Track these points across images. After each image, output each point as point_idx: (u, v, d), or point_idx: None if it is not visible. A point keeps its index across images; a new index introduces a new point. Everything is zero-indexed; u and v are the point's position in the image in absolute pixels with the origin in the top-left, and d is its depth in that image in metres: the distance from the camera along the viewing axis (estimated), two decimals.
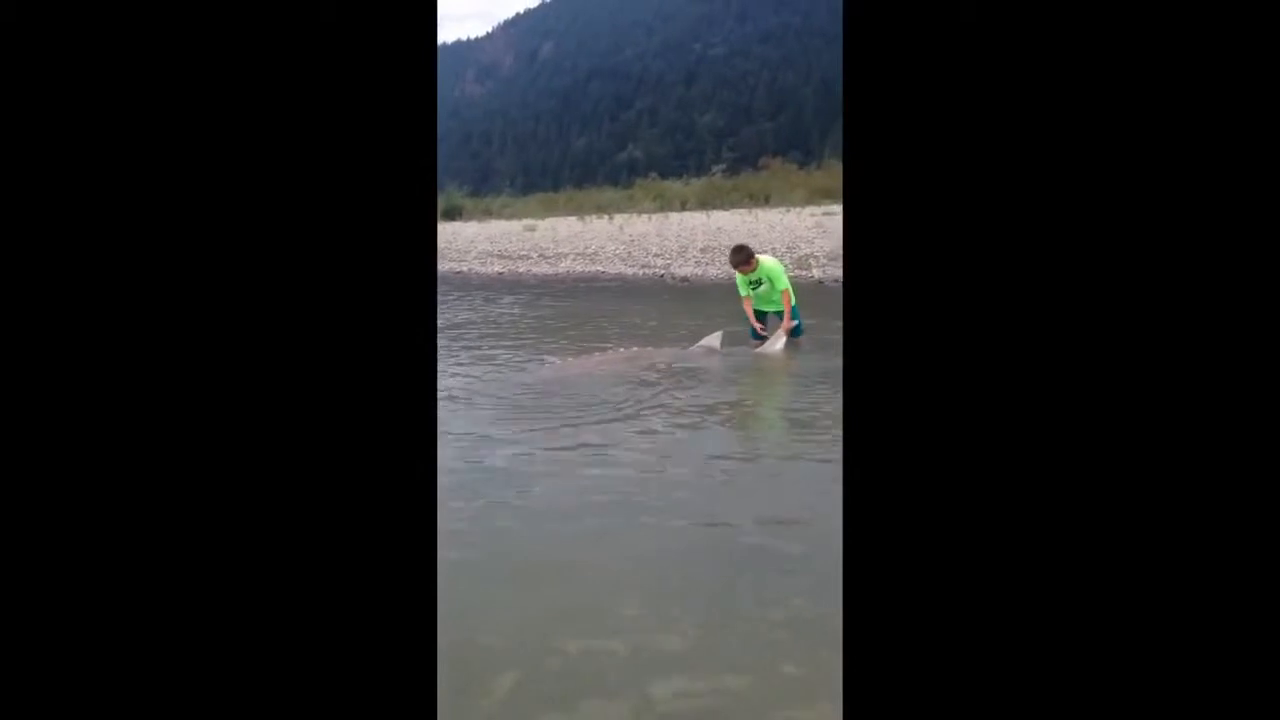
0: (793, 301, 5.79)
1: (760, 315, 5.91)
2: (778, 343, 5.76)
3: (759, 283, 5.81)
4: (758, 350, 5.74)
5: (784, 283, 5.74)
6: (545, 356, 5.93)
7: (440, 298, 11.45)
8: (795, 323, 5.79)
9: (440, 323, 8.30)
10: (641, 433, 3.69)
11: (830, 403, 3.94)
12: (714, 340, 5.91)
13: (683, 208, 27.84)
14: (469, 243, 21.75)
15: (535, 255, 17.59)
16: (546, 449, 3.46)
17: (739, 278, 5.90)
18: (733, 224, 18.28)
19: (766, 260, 5.87)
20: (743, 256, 5.79)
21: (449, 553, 1.72)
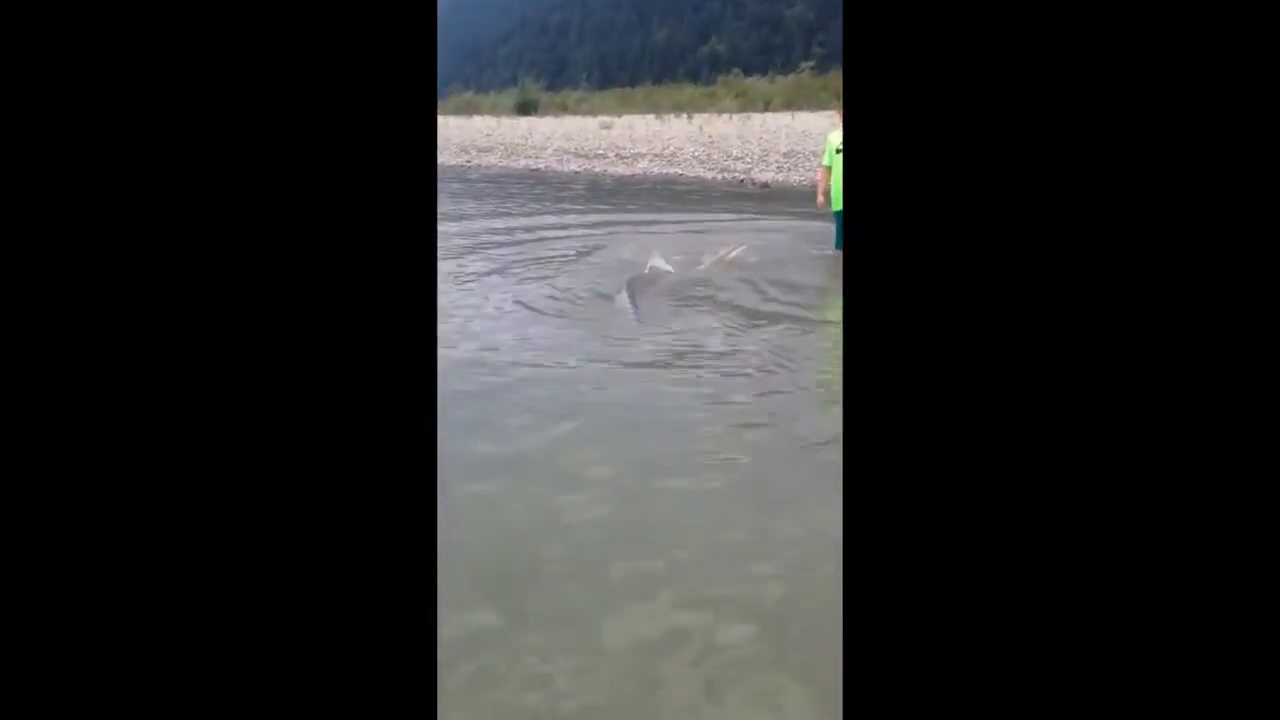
0: None
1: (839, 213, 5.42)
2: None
3: None
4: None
5: None
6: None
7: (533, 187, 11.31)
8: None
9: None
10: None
11: None
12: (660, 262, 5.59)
13: (766, 108, 26.85)
14: (545, 139, 21.46)
15: (612, 155, 17.24)
16: None
17: (829, 141, 5.52)
18: (819, 126, 17.42)
19: None
20: None
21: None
